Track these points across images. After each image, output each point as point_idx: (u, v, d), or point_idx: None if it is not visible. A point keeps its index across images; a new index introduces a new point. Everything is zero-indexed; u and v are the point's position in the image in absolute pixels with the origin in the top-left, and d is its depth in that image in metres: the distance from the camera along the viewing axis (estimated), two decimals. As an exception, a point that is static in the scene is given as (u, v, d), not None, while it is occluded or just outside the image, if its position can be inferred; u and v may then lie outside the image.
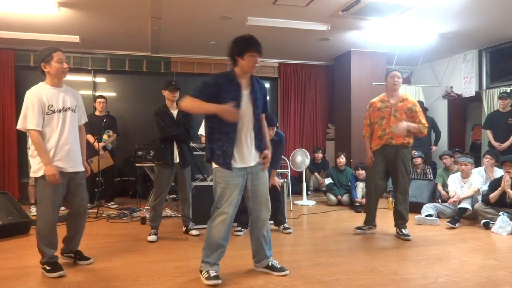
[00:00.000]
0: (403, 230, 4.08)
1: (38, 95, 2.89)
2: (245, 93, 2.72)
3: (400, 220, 4.11)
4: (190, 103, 2.66)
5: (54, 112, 2.93)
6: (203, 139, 5.43)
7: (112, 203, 6.00)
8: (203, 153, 5.24)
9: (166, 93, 4.11)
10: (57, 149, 2.92)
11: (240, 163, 2.73)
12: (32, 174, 2.97)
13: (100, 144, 5.71)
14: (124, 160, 7.10)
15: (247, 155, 2.74)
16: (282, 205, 4.47)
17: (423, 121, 4.05)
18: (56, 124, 2.94)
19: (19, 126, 2.91)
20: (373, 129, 4.19)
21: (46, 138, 2.91)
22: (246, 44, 2.64)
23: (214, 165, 2.74)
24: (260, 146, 2.82)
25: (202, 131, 5.67)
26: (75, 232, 3.17)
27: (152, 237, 3.96)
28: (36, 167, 2.91)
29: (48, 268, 2.92)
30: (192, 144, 4.79)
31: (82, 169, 3.12)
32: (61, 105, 2.97)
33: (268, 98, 2.83)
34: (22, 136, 6.45)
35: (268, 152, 2.86)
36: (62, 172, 2.94)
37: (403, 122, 3.96)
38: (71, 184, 3.03)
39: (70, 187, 3.03)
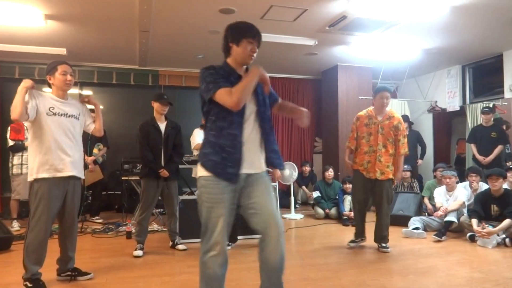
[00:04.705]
0: (382, 244, 4.12)
1: (42, 95, 2.94)
2: None
3: (378, 236, 4.17)
4: (235, 92, 2.03)
5: (55, 114, 2.93)
6: (197, 146, 5.31)
7: (97, 217, 5.91)
8: (191, 166, 5.25)
9: (156, 104, 4.05)
10: (54, 152, 2.88)
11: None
12: (29, 178, 2.91)
13: (91, 158, 5.65)
14: (110, 174, 7.00)
15: (249, 162, 2.15)
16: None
17: (403, 140, 4.13)
18: (56, 127, 2.92)
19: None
20: (359, 143, 4.21)
21: (46, 140, 2.88)
22: (244, 29, 2.18)
23: (201, 174, 2.14)
24: (274, 161, 2.26)
25: (196, 138, 5.56)
26: (66, 248, 3.09)
27: (138, 252, 3.89)
28: (31, 167, 2.89)
29: (29, 285, 2.84)
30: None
31: (81, 176, 3.08)
32: (63, 112, 2.98)
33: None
34: (4, 150, 6.33)
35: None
36: (58, 178, 2.90)
37: (397, 174, 4.14)
38: (68, 191, 2.99)
39: (67, 194, 2.98)
